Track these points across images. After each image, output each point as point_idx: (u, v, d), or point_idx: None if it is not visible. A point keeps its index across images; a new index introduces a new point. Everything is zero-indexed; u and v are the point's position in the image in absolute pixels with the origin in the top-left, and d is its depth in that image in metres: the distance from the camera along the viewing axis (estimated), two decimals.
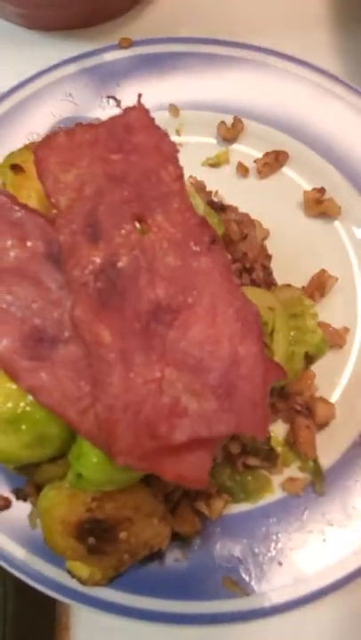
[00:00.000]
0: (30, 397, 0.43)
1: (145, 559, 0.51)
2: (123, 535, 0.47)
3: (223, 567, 0.53)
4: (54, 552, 0.48)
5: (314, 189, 0.63)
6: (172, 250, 0.43)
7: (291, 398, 0.57)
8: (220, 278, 0.43)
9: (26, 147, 0.53)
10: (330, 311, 0.60)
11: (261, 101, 0.66)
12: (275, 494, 0.55)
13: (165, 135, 0.47)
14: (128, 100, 0.66)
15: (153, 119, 0.47)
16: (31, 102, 0.67)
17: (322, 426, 0.57)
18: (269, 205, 0.64)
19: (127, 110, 0.48)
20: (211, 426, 0.40)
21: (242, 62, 0.67)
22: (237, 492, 0.55)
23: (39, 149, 0.46)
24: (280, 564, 0.53)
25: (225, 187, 0.64)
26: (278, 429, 0.58)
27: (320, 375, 0.58)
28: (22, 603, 0.54)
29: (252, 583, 0.52)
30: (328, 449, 0.56)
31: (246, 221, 0.59)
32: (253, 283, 0.56)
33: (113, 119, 0.48)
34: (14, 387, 0.43)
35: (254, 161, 0.65)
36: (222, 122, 0.66)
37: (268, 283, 0.58)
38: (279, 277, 0.60)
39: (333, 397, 0.58)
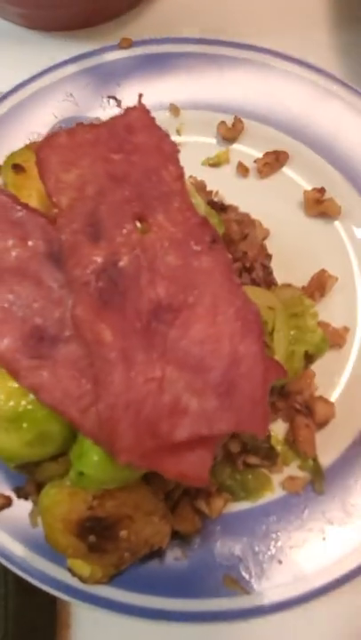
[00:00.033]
0: (32, 396, 0.43)
1: (145, 557, 0.52)
2: (123, 533, 0.48)
3: (223, 565, 0.53)
4: (55, 550, 0.48)
5: (314, 189, 0.64)
6: (172, 249, 0.43)
7: (291, 397, 0.57)
8: (220, 278, 0.43)
9: (27, 146, 0.53)
10: (330, 311, 0.60)
11: (262, 101, 0.66)
12: (275, 493, 0.55)
13: (166, 135, 0.47)
14: (129, 99, 0.67)
15: (154, 119, 0.47)
16: (32, 102, 0.67)
17: (322, 425, 0.57)
18: (270, 205, 0.64)
19: (128, 110, 0.48)
20: (211, 424, 0.40)
21: (242, 62, 0.67)
22: (237, 490, 0.55)
23: (41, 149, 0.46)
24: (280, 562, 0.53)
25: (225, 186, 0.64)
26: (278, 428, 0.58)
27: (320, 374, 0.58)
28: (23, 601, 0.54)
29: (253, 581, 0.53)
30: (328, 448, 0.56)
31: (247, 221, 0.59)
32: (254, 282, 0.56)
33: (114, 119, 0.48)
34: (16, 385, 0.43)
35: (254, 161, 0.65)
36: (223, 122, 0.66)
37: (269, 282, 0.58)
38: (279, 277, 0.60)
39: (333, 396, 0.58)
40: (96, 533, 0.47)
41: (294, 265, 0.61)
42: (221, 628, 0.55)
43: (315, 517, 0.54)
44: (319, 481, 0.55)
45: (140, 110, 0.47)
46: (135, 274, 0.43)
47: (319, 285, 0.61)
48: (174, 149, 0.46)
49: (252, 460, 0.55)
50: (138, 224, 0.44)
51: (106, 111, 0.66)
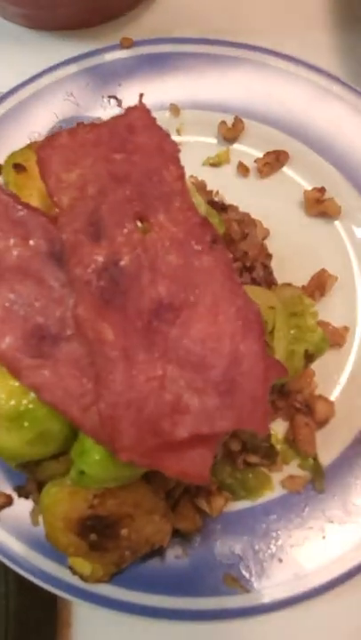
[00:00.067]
0: (33, 395, 0.43)
1: (146, 556, 0.52)
2: (124, 532, 0.48)
3: (224, 564, 0.53)
4: (56, 549, 0.49)
5: (314, 189, 0.64)
6: (173, 249, 0.43)
7: (291, 396, 0.57)
8: (221, 277, 0.43)
9: (28, 146, 0.53)
10: (330, 310, 0.60)
11: (262, 101, 0.66)
12: (275, 492, 0.56)
13: (167, 135, 0.47)
14: (129, 99, 0.67)
15: (154, 119, 0.47)
16: (32, 102, 0.67)
17: (322, 424, 0.57)
18: (270, 205, 0.64)
19: (129, 110, 0.48)
20: (212, 422, 0.40)
21: (243, 62, 0.67)
22: (238, 489, 0.55)
23: (42, 149, 0.46)
24: (280, 560, 0.53)
25: (226, 186, 0.64)
26: (278, 427, 0.58)
27: (320, 373, 0.58)
28: (24, 600, 0.54)
29: (253, 580, 0.53)
30: (328, 446, 0.56)
31: (247, 221, 0.59)
32: (254, 282, 0.57)
33: (115, 119, 0.48)
34: (17, 384, 0.43)
35: (255, 161, 0.66)
36: (223, 121, 0.66)
37: (269, 282, 0.58)
38: (279, 276, 0.60)
39: (333, 395, 0.58)
40: (97, 532, 0.47)
41: (294, 264, 0.61)
42: (222, 627, 0.55)
43: (315, 516, 0.55)
44: (319, 479, 0.55)
45: (141, 110, 0.47)
46: (136, 273, 0.43)
47: (319, 285, 0.61)
48: (175, 149, 0.46)
49: (253, 458, 0.55)
50: (139, 224, 0.45)
51: (106, 111, 0.67)
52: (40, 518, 0.53)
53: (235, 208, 0.60)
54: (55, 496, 0.47)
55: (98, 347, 0.41)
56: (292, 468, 0.56)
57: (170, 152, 0.46)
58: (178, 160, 0.46)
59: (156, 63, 0.68)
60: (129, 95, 0.67)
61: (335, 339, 0.59)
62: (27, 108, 0.67)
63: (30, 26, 0.76)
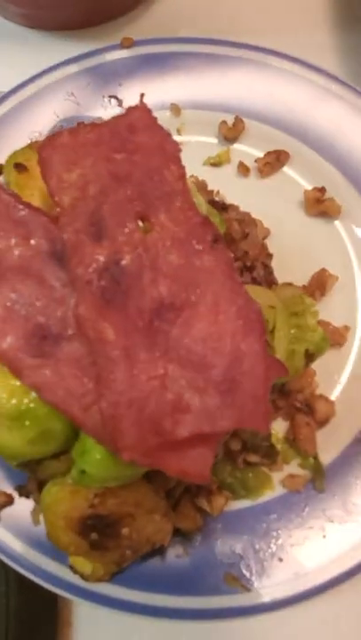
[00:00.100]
0: (34, 394, 0.43)
1: (147, 555, 0.52)
2: (125, 531, 0.48)
3: (224, 563, 0.53)
4: (57, 548, 0.49)
5: (314, 189, 0.64)
6: (175, 248, 0.44)
7: (291, 396, 0.57)
8: (222, 276, 0.43)
9: (29, 146, 0.53)
10: (330, 310, 0.61)
11: (262, 101, 0.66)
12: (275, 491, 0.56)
13: (168, 135, 0.47)
14: (130, 99, 0.67)
15: (155, 119, 0.48)
16: (33, 102, 0.67)
17: (322, 423, 0.57)
18: (270, 204, 0.64)
19: (130, 110, 0.48)
20: (213, 421, 0.40)
21: (243, 62, 0.67)
22: (238, 488, 0.55)
23: (43, 149, 0.46)
24: (281, 559, 0.53)
25: (226, 186, 0.65)
26: (279, 427, 0.58)
27: (320, 373, 0.58)
28: (25, 599, 0.54)
29: (253, 579, 0.53)
30: (328, 446, 0.57)
31: (247, 220, 0.59)
32: (254, 281, 0.57)
33: (116, 119, 0.48)
34: (18, 383, 0.43)
35: (255, 160, 0.66)
36: (223, 121, 0.66)
37: (269, 281, 0.58)
38: (280, 276, 0.60)
39: (333, 395, 0.59)
40: (98, 531, 0.47)
41: (295, 264, 0.62)
42: (222, 626, 0.55)
43: (315, 515, 0.55)
44: (320, 479, 0.55)
45: (142, 110, 0.47)
46: (137, 273, 0.43)
47: (320, 284, 0.61)
48: (176, 149, 0.46)
49: (253, 458, 0.55)
50: (140, 223, 0.45)
51: (107, 111, 0.67)
52: (41, 517, 0.53)
53: (235, 208, 0.60)
54: (56, 495, 0.47)
55: (99, 346, 0.41)
56: (293, 468, 0.57)
57: (171, 152, 0.46)
58: (179, 160, 0.46)
59: (157, 63, 0.68)
60: (129, 95, 0.67)
61: (336, 338, 0.59)
62: (27, 107, 0.67)
63: (31, 26, 0.76)
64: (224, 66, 0.67)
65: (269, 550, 0.54)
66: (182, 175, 0.46)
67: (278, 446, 0.56)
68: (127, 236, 0.44)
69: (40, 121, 0.67)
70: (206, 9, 0.76)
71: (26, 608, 0.54)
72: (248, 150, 0.66)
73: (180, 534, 0.53)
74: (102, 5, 0.74)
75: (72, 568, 0.50)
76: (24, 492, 0.55)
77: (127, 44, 0.68)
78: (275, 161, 0.65)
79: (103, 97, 0.68)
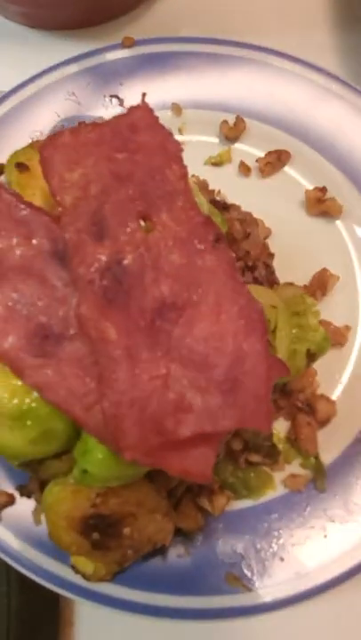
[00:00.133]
0: (36, 394, 0.43)
1: (148, 555, 0.52)
2: (126, 531, 0.48)
3: (226, 563, 0.53)
4: (59, 547, 0.49)
5: (316, 188, 0.64)
6: (176, 248, 0.43)
7: (292, 395, 0.57)
8: (224, 276, 0.43)
9: (30, 145, 0.53)
10: (331, 309, 0.61)
11: (263, 101, 0.66)
12: (276, 491, 0.56)
13: (170, 134, 0.47)
14: (131, 99, 0.67)
15: (157, 118, 0.47)
16: (34, 101, 0.67)
17: (323, 423, 0.57)
18: (271, 204, 0.64)
19: (131, 109, 0.48)
20: (215, 421, 0.40)
21: (244, 62, 0.67)
22: (240, 488, 0.55)
23: (44, 148, 0.46)
24: (282, 559, 0.53)
25: (227, 186, 0.65)
26: (280, 426, 0.58)
27: (322, 373, 0.58)
28: (26, 599, 0.54)
29: (255, 579, 0.53)
30: (329, 446, 0.57)
31: (249, 220, 0.59)
32: (256, 281, 0.57)
33: (117, 118, 0.48)
34: (20, 383, 0.43)
35: (256, 160, 0.66)
36: (225, 121, 0.66)
37: (271, 281, 0.58)
38: (281, 276, 0.60)
39: (335, 395, 0.59)
40: (99, 531, 0.47)
41: (296, 264, 0.62)
42: (224, 626, 0.55)
43: (316, 515, 0.55)
44: (321, 479, 0.55)
45: (144, 109, 0.47)
46: (139, 272, 0.43)
47: (321, 284, 0.61)
48: (178, 148, 0.46)
49: (254, 457, 0.55)
50: (142, 223, 0.45)
51: (108, 110, 0.67)
52: (42, 517, 0.53)
53: (237, 207, 0.60)
54: (58, 495, 0.47)
55: (101, 346, 0.41)
56: (294, 467, 0.57)
57: (172, 151, 0.46)
58: (181, 159, 0.46)
59: (158, 62, 0.68)
60: (130, 94, 0.67)
61: (337, 338, 0.59)
62: (28, 107, 0.67)
63: (31, 25, 0.76)
64: (225, 65, 0.67)
65: (271, 550, 0.54)
66: (184, 175, 0.46)
67: (280, 446, 0.57)
68: (129, 236, 0.44)
69: (41, 120, 0.66)
70: (207, 8, 0.76)
71: (27, 608, 0.54)
72: (249, 150, 0.66)
73: (182, 534, 0.53)
74: (103, 5, 0.74)
75: (74, 568, 0.50)
76: (25, 492, 0.55)
77: (128, 43, 0.68)
78: (276, 161, 0.65)
79: (104, 96, 0.68)
